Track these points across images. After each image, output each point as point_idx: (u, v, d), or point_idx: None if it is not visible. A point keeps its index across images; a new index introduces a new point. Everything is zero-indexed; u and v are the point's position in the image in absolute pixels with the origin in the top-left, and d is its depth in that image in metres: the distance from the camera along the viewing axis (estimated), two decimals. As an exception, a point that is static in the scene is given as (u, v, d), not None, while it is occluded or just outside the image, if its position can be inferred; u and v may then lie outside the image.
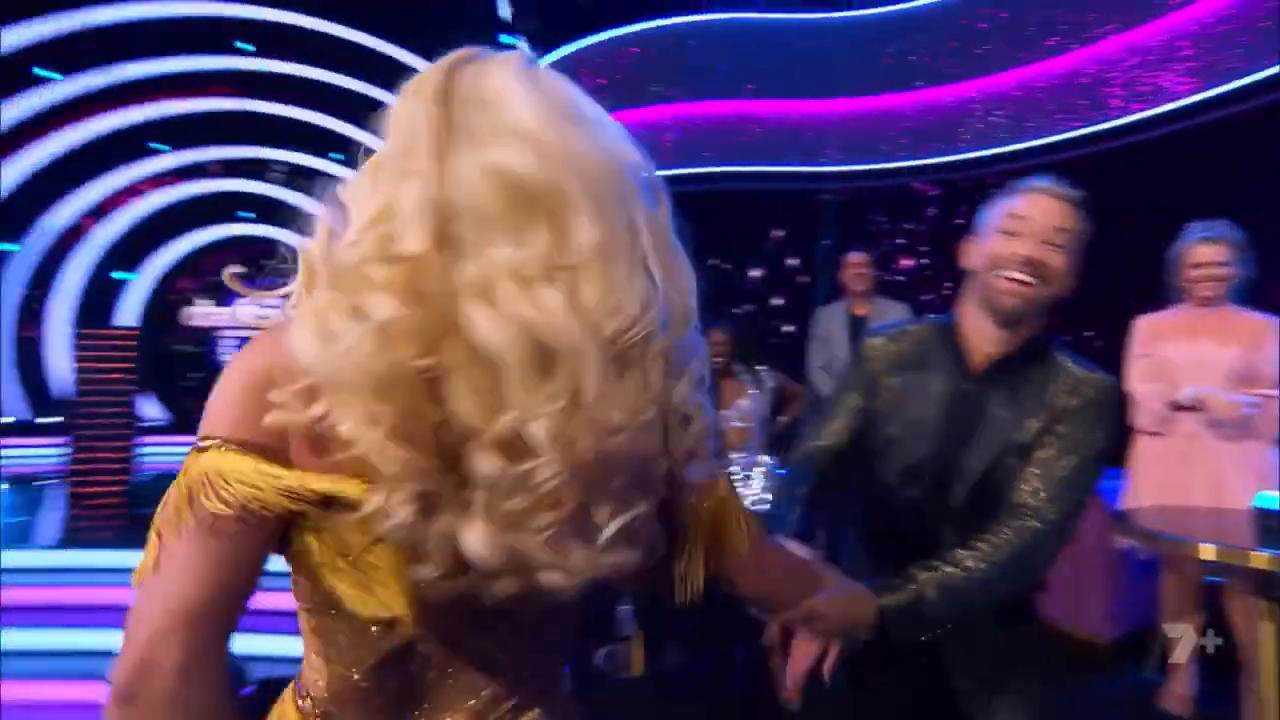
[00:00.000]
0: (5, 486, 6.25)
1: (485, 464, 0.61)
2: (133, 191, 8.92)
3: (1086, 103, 6.02)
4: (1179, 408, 2.75)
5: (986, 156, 6.56)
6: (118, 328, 7.27)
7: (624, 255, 0.64)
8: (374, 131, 0.71)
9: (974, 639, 1.35)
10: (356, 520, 0.64)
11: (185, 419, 7.71)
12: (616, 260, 0.63)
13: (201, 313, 8.95)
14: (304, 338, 0.62)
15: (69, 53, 8.21)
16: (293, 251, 0.70)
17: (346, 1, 9.41)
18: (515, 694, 0.77)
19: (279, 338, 0.66)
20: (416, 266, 0.61)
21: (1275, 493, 2.40)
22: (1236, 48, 5.07)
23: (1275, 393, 2.65)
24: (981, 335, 1.36)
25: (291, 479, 0.65)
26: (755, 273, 8.00)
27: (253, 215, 9.41)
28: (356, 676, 0.73)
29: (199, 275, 9.31)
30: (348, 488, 0.64)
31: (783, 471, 3.42)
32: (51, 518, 5.41)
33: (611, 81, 7.58)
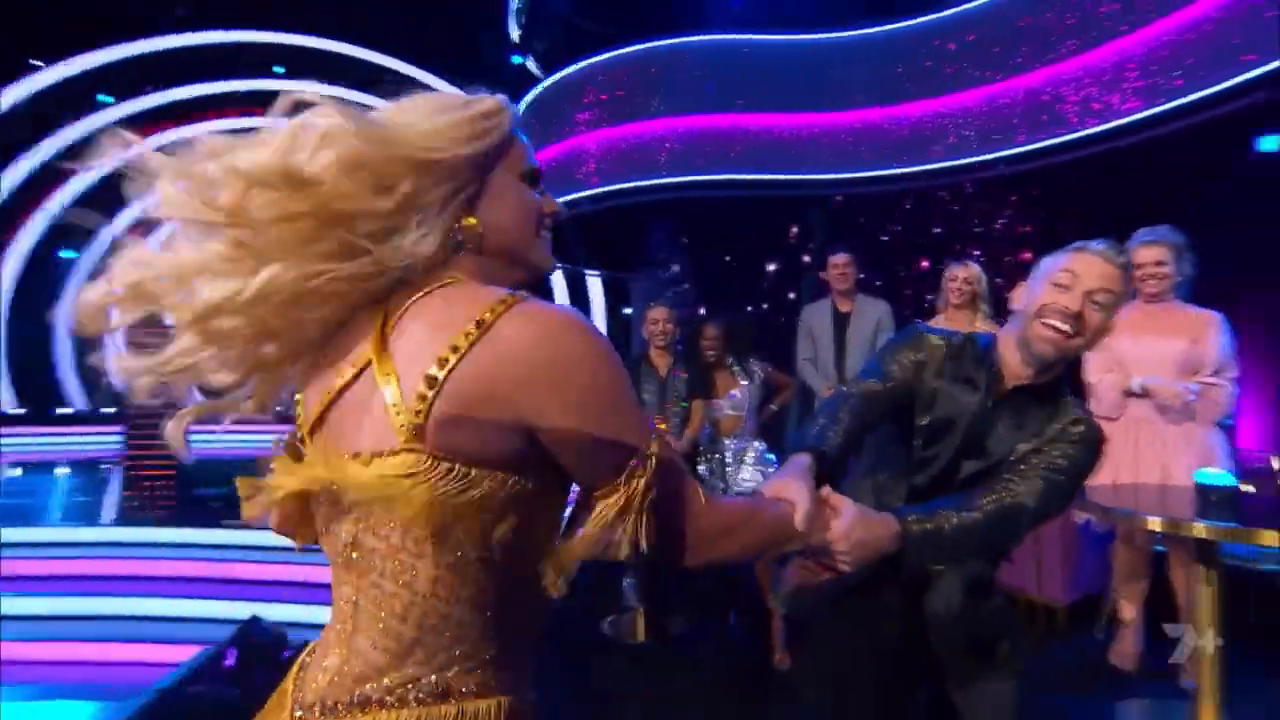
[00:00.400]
0: (69, 471, 6.27)
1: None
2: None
3: (1046, 118, 6.01)
4: (1130, 395, 2.77)
5: (956, 167, 6.57)
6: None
7: None
8: None
9: (950, 612, 1.37)
10: None
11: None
12: None
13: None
14: None
15: (127, 79, 8.31)
16: None
17: (369, 27, 9.44)
18: None
19: None
20: None
21: (1214, 470, 2.42)
22: (1176, 70, 5.11)
23: (1215, 380, 2.66)
24: (1011, 368, 1.38)
25: None
26: (771, 266, 7.98)
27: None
28: None
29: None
30: None
31: (772, 457, 3.45)
32: (110, 499, 5.44)
33: (612, 98, 7.57)
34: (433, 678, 0.69)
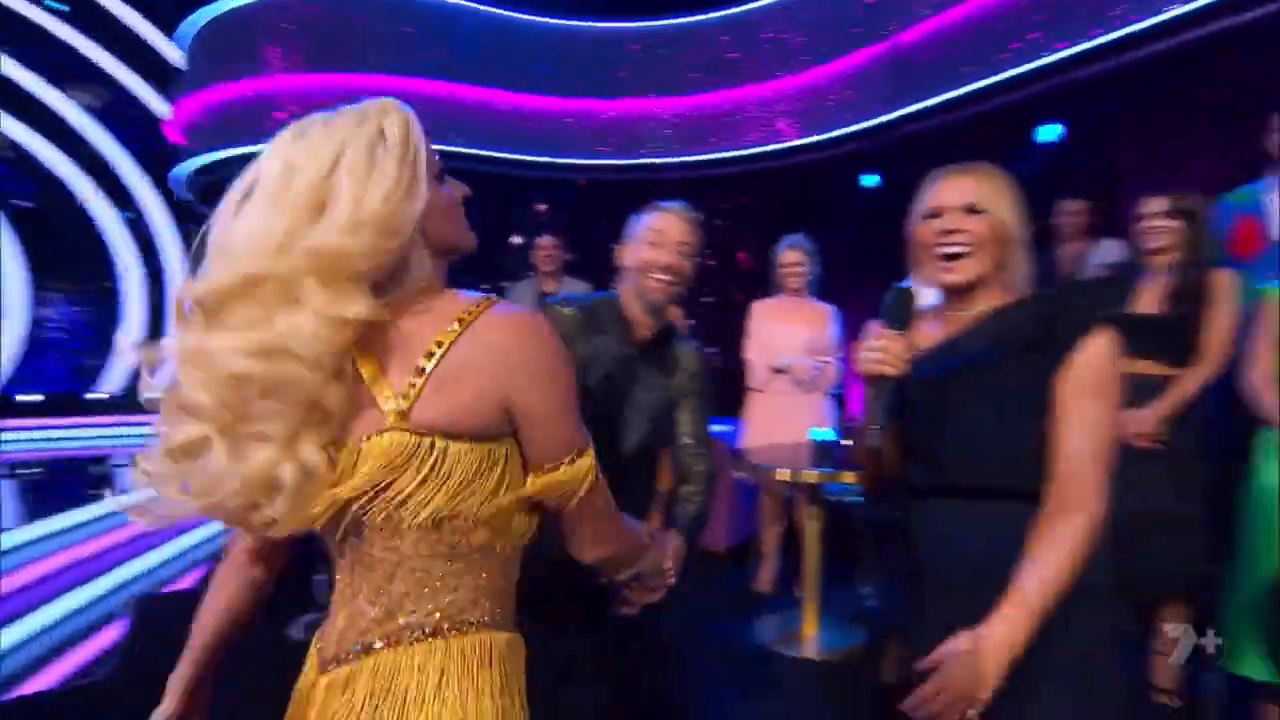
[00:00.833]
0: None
1: None
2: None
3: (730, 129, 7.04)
4: (776, 371, 3.38)
5: (663, 164, 7.32)
6: None
7: None
8: None
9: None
10: None
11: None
12: None
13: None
14: None
15: None
16: None
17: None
18: None
19: None
20: None
21: (825, 429, 3.05)
22: (828, 103, 6.40)
23: (827, 360, 3.37)
24: (638, 319, 1.61)
25: None
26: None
27: None
28: None
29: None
30: None
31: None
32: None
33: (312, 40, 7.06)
34: (422, 622, 0.82)
